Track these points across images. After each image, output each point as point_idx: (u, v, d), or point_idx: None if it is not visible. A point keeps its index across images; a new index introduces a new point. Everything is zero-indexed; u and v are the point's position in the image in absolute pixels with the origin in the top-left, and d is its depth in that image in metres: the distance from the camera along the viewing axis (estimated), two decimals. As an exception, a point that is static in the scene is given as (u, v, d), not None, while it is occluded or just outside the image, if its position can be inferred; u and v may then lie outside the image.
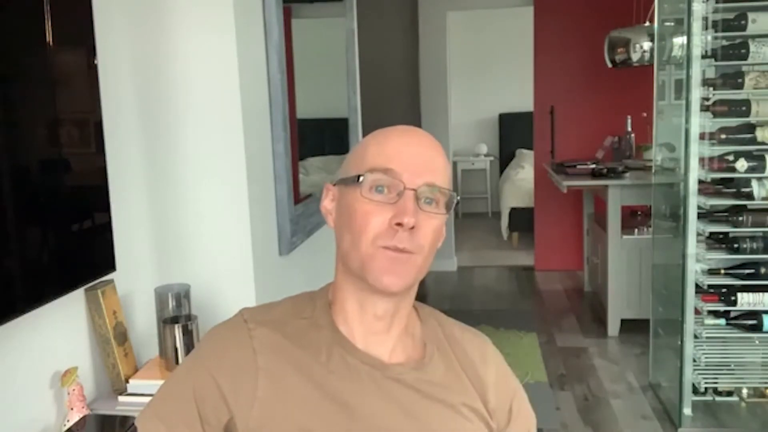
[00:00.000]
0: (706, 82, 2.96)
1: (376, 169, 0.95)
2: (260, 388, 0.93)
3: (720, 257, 3.09)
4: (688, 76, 2.95)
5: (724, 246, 3.09)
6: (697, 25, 2.91)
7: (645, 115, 4.54)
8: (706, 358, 3.09)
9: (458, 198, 1.00)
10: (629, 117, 4.95)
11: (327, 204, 1.02)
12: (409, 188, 0.93)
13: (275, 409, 0.92)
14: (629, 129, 4.95)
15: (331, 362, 0.96)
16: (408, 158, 0.96)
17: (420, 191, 0.93)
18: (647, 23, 4.45)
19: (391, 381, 0.97)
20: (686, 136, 2.99)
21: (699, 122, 2.96)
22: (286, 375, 0.94)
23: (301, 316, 1.01)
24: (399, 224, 0.92)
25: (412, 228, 0.92)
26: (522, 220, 6.50)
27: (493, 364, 1.07)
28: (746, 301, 3.01)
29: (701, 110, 2.96)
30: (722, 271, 3.05)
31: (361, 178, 0.94)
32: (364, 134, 3.56)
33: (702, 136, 2.97)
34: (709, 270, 3.06)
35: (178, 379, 0.99)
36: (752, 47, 2.90)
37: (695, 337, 3.10)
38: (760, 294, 3.01)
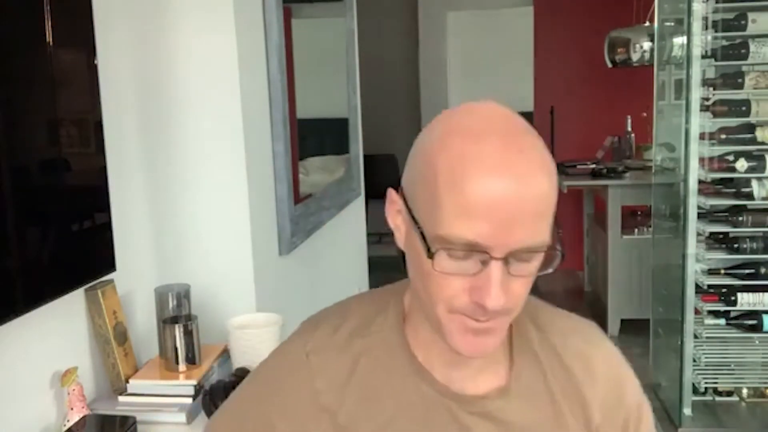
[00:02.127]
0: (706, 82, 2.96)
1: (452, 242, 0.70)
2: (323, 430, 0.82)
3: (720, 257, 3.09)
4: (688, 76, 2.95)
5: (724, 246, 3.09)
6: (697, 25, 2.91)
7: (645, 115, 4.54)
8: (706, 358, 3.09)
9: (562, 251, 0.75)
10: (629, 117, 4.95)
11: (393, 218, 0.82)
12: (496, 258, 0.71)
13: None
14: (629, 129, 4.95)
15: (405, 395, 0.83)
16: (500, 216, 0.69)
17: (511, 258, 0.71)
18: (647, 23, 4.45)
19: (474, 416, 0.82)
20: (686, 136, 2.99)
21: (699, 122, 2.96)
22: (353, 412, 0.82)
23: (371, 330, 0.86)
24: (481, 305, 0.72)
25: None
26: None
27: (602, 377, 0.89)
28: (746, 301, 3.01)
29: (701, 110, 2.96)
30: (722, 271, 3.05)
31: (433, 251, 0.72)
32: (364, 134, 3.56)
33: (702, 136, 2.97)
34: (709, 270, 3.06)
35: (232, 416, 0.91)
36: (752, 47, 2.90)
37: (695, 337, 3.10)
38: (760, 294, 3.01)
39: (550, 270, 0.75)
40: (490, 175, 0.69)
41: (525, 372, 0.86)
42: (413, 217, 0.76)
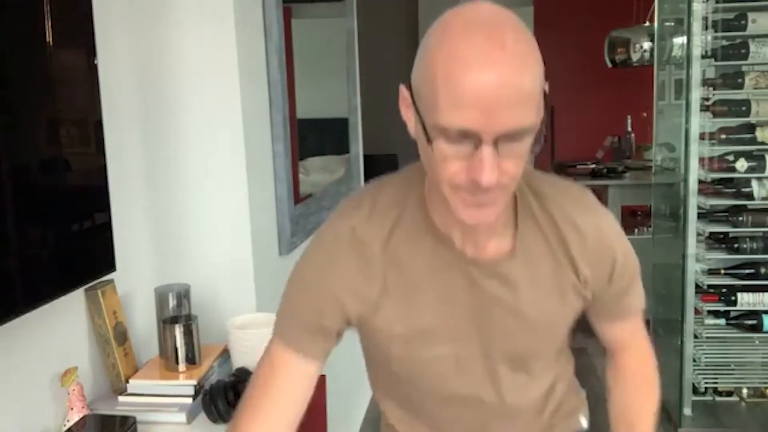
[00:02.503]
0: (706, 82, 2.97)
1: (447, 130, 0.82)
2: (375, 293, 1.00)
3: (720, 257, 3.09)
4: (688, 76, 2.95)
5: (724, 246, 3.09)
6: (697, 25, 2.91)
7: (645, 115, 4.54)
8: (706, 358, 3.09)
9: (544, 133, 0.88)
10: (629, 117, 4.96)
11: (404, 112, 0.94)
12: (486, 142, 0.82)
13: (407, 308, 1.00)
14: (629, 129, 4.96)
15: (429, 260, 1.00)
16: (486, 104, 0.80)
17: (500, 141, 0.82)
18: (647, 23, 4.45)
19: (485, 277, 1.00)
20: (686, 136, 2.99)
21: (699, 122, 2.96)
22: (390, 277, 1.00)
23: (400, 207, 1.01)
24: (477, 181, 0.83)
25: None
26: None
27: (589, 231, 1.03)
28: (746, 301, 3.02)
29: (701, 110, 2.96)
30: (722, 271, 3.05)
31: (432, 136, 0.85)
32: (364, 135, 3.56)
33: (702, 136, 2.98)
34: (709, 270, 3.06)
35: (296, 297, 1.08)
36: (752, 47, 2.90)
37: (695, 337, 3.10)
38: (760, 294, 3.01)
39: (537, 150, 0.87)
40: (476, 70, 0.80)
41: (527, 235, 1.01)
42: (417, 110, 0.88)
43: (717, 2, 2.94)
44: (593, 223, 1.04)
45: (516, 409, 1.13)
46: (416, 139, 0.92)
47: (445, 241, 1.00)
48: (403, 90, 0.92)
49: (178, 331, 1.65)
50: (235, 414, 1.07)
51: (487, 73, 0.80)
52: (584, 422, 1.37)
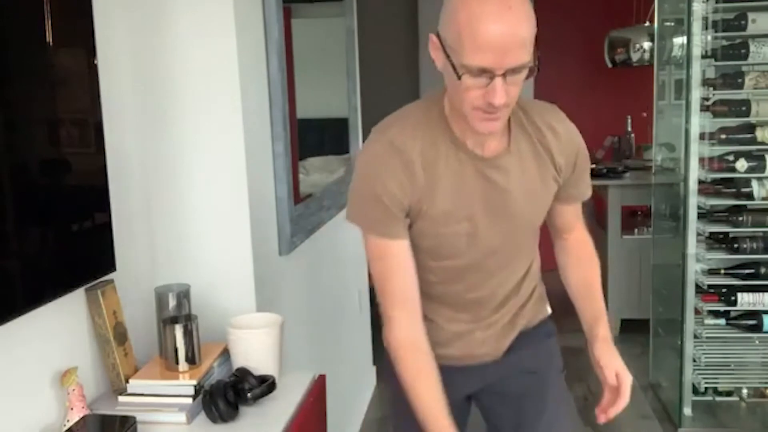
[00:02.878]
0: (706, 82, 2.97)
1: (470, 68, 1.20)
2: (414, 186, 1.35)
3: (720, 257, 3.09)
4: (688, 76, 2.95)
5: (724, 246, 3.09)
6: (697, 25, 2.91)
7: (645, 115, 4.54)
8: (706, 358, 3.09)
9: (538, 63, 1.23)
10: (629, 117, 4.95)
11: (433, 53, 1.30)
12: (498, 75, 1.19)
13: (438, 195, 1.36)
14: (629, 129, 4.95)
15: (449, 159, 1.36)
16: (498, 49, 1.18)
17: (507, 74, 1.20)
18: (647, 23, 4.45)
19: (489, 168, 1.38)
20: (686, 136, 2.99)
21: (699, 122, 2.96)
22: (434, 173, 1.36)
23: (426, 123, 1.37)
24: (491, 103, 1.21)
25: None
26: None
27: (562, 133, 1.43)
28: (746, 301, 3.02)
29: (701, 110, 2.96)
30: (722, 271, 3.05)
31: (460, 74, 1.22)
32: (364, 135, 3.56)
33: (702, 136, 2.98)
34: (709, 270, 3.06)
35: (368, 194, 1.38)
36: (752, 47, 2.90)
37: (695, 337, 3.10)
38: (760, 294, 3.01)
39: (531, 77, 1.23)
40: (491, 26, 1.17)
41: (518, 138, 1.40)
42: (446, 53, 1.24)
43: (717, 2, 2.94)
44: (564, 127, 1.45)
45: (506, 278, 1.53)
46: (443, 72, 1.29)
47: (461, 145, 1.37)
48: (432, 37, 1.28)
49: (178, 331, 1.65)
50: (384, 318, 1.43)
51: (498, 28, 1.17)
52: (548, 309, 1.77)
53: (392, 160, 1.35)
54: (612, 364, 1.52)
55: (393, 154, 1.35)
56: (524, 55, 1.20)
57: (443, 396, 1.38)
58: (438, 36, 1.26)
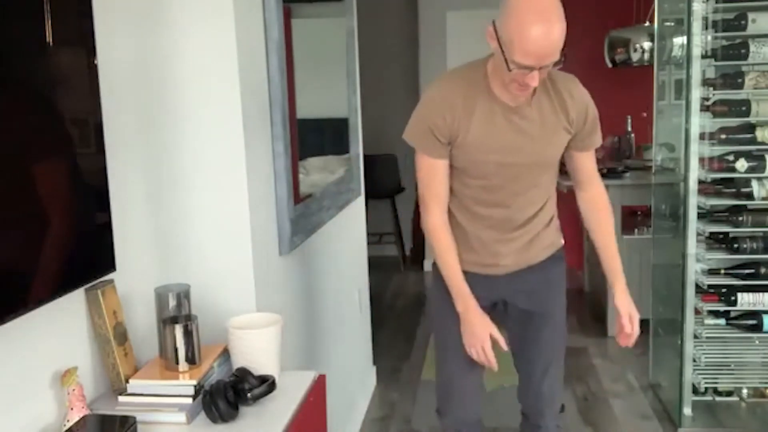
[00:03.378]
0: (706, 82, 2.97)
1: (518, 64, 1.70)
2: (456, 122, 1.86)
3: (720, 257, 3.09)
4: (688, 76, 2.95)
5: (724, 246, 3.09)
6: (697, 25, 2.91)
7: (645, 115, 4.54)
8: (706, 358, 3.09)
9: (563, 57, 1.74)
10: (629, 117, 4.95)
11: (488, 38, 1.77)
12: (537, 69, 1.71)
13: (471, 134, 1.87)
14: (629, 129, 4.95)
15: (485, 107, 1.87)
16: (540, 56, 1.69)
17: (542, 67, 1.71)
18: (647, 23, 4.45)
19: (516, 115, 1.88)
20: (686, 136, 2.99)
21: (699, 122, 2.96)
22: (469, 113, 1.86)
23: (470, 82, 1.89)
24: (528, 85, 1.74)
25: None
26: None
27: (577, 96, 1.94)
28: (746, 301, 3.02)
29: (701, 110, 2.96)
30: (722, 271, 3.05)
31: (510, 68, 1.71)
32: (364, 134, 3.57)
33: (702, 136, 2.98)
34: (709, 270, 3.06)
35: (420, 119, 1.92)
36: (752, 47, 2.90)
37: (695, 337, 3.10)
38: (760, 294, 3.01)
39: (559, 66, 1.75)
40: (537, 40, 1.66)
41: (540, 97, 1.88)
42: (500, 45, 1.72)
43: (717, 2, 2.94)
44: (579, 92, 1.95)
45: (526, 204, 1.99)
46: (495, 54, 1.79)
47: (495, 97, 1.87)
48: (489, 28, 1.75)
49: (178, 331, 1.65)
50: (422, 209, 2.00)
51: (542, 42, 1.67)
52: (562, 240, 2.19)
53: (441, 103, 1.88)
54: (626, 309, 2.13)
55: (442, 98, 1.89)
56: (556, 55, 1.72)
57: (458, 263, 1.98)
58: (495, 27, 1.74)
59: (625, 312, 2.10)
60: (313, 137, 2.73)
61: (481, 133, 1.87)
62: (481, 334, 1.93)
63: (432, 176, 1.94)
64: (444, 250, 1.98)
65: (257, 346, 1.69)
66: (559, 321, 2.15)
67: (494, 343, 1.94)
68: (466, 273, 1.97)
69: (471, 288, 1.96)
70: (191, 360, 1.66)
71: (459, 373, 2.09)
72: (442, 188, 1.95)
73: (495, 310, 2.08)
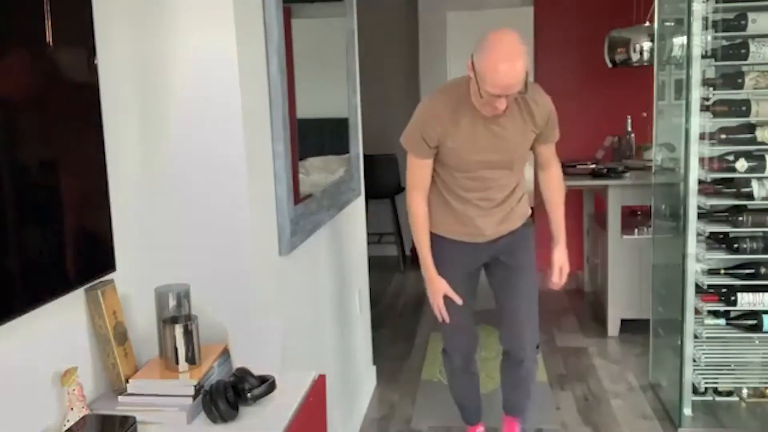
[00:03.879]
0: (706, 82, 2.96)
1: (489, 94, 2.21)
2: (444, 131, 2.38)
3: (720, 257, 3.09)
4: (688, 76, 2.95)
5: (724, 246, 3.09)
6: (697, 25, 2.91)
7: (645, 115, 4.53)
8: (706, 358, 3.09)
9: (525, 85, 2.22)
10: (629, 117, 4.95)
11: (467, 70, 2.28)
12: (503, 98, 2.22)
13: (454, 140, 2.38)
14: (629, 129, 4.95)
15: (466, 119, 2.37)
16: (506, 88, 2.17)
17: (509, 96, 2.22)
18: (647, 23, 4.45)
19: (493, 123, 2.37)
20: (686, 136, 2.99)
21: (699, 122, 2.96)
22: (455, 124, 2.37)
23: (456, 99, 2.38)
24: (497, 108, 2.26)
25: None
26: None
27: (541, 103, 2.43)
28: (746, 301, 3.01)
29: (701, 110, 2.96)
30: (722, 271, 3.05)
31: (483, 96, 2.24)
32: (364, 134, 3.57)
33: (702, 136, 2.97)
34: (709, 270, 3.06)
35: (415, 129, 2.43)
36: (752, 47, 2.90)
37: (695, 337, 3.10)
38: (760, 294, 3.01)
39: (523, 94, 2.26)
40: (503, 78, 2.15)
41: (511, 107, 2.33)
42: (476, 77, 2.22)
43: (717, 2, 2.93)
44: (542, 99, 2.44)
45: (500, 188, 2.53)
46: (472, 82, 2.26)
47: (476, 111, 2.36)
48: (469, 62, 2.25)
49: (178, 331, 1.65)
50: (407, 193, 2.55)
51: (507, 79, 2.16)
52: (529, 209, 2.70)
53: (432, 116, 2.40)
54: (559, 263, 2.65)
55: (433, 112, 2.41)
56: (520, 86, 2.20)
57: (428, 238, 2.58)
58: (472, 62, 2.24)
59: (558, 265, 2.64)
60: (313, 137, 2.73)
61: (466, 139, 2.39)
62: (437, 294, 2.59)
63: (418, 172, 2.51)
64: (419, 226, 2.57)
65: (257, 346, 1.69)
66: (531, 272, 2.67)
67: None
68: (458, 242, 2.59)
69: (462, 254, 2.60)
70: (191, 360, 1.66)
71: (459, 324, 2.70)
72: (425, 181, 2.53)
73: (483, 269, 2.73)
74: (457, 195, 2.53)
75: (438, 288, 2.57)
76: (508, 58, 2.13)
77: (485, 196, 2.52)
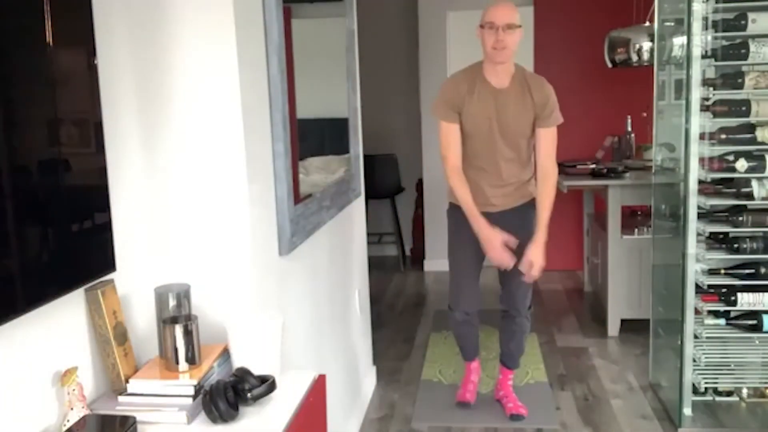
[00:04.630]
0: (706, 82, 2.96)
1: (486, 23, 2.85)
2: (464, 99, 2.95)
3: (720, 257, 3.09)
4: (688, 76, 2.95)
5: (724, 246, 3.09)
6: (697, 25, 2.91)
7: (645, 115, 4.53)
8: (706, 358, 3.09)
9: (521, 27, 2.86)
10: (629, 117, 4.95)
11: (477, 33, 2.91)
12: (498, 27, 2.82)
13: (470, 105, 2.95)
14: (629, 129, 4.95)
15: (481, 89, 2.95)
16: (499, 15, 2.82)
17: (503, 27, 2.82)
18: (647, 23, 4.45)
19: (500, 94, 2.95)
20: (686, 136, 2.99)
21: (699, 122, 2.96)
22: (470, 93, 2.95)
23: (472, 75, 2.98)
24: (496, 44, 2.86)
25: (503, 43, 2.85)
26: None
27: (541, 87, 2.94)
28: (746, 301, 3.01)
29: (701, 110, 2.96)
30: (722, 271, 3.05)
31: (483, 27, 2.87)
32: (364, 134, 3.58)
33: (702, 136, 2.97)
34: (709, 270, 3.06)
35: (441, 99, 3.00)
36: (752, 47, 2.90)
37: (695, 337, 3.10)
38: (760, 294, 3.01)
39: (518, 29, 2.89)
40: (494, 6, 2.87)
41: (515, 82, 2.96)
42: (481, 25, 2.91)
43: (717, 2, 2.93)
44: (544, 84, 2.97)
45: (509, 162, 3.01)
46: (480, 38, 2.91)
47: (487, 82, 2.94)
48: (478, 28, 2.91)
49: (178, 331, 1.65)
50: (443, 156, 3.01)
51: (498, 8, 2.86)
52: (534, 192, 3.06)
53: (453, 87, 2.99)
54: (529, 258, 2.93)
55: (454, 84, 3.00)
56: (512, 19, 2.82)
57: (470, 196, 2.98)
58: (480, 24, 2.89)
59: (528, 260, 2.92)
60: (313, 137, 2.73)
61: (479, 105, 2.94)
62: (495, 243, 2.92)
63: (449, 135, 2.98)
64: (460, 186, 2.98)
65: (257, 346, 1.69)
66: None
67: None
68: None
69: None
70: (191, 360, 1.66)
71: (464, 280, 3.15)
72: (456, 144, 2.98)
73: None
74: (473, 168, 3.01)
75: (495, 238, 2.92)
76: (503, 6, 2.86)
77: (495, 170, 3.00)
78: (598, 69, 5.12)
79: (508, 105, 2.91)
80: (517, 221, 3.02)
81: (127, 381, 1.63)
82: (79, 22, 1.55)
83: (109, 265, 1.64)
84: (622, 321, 4.36)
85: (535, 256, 2.91)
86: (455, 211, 3.06)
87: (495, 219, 2.99)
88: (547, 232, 2.95)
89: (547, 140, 2.98)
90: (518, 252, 2.95)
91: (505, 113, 2.91)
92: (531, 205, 3.04)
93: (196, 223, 1.89)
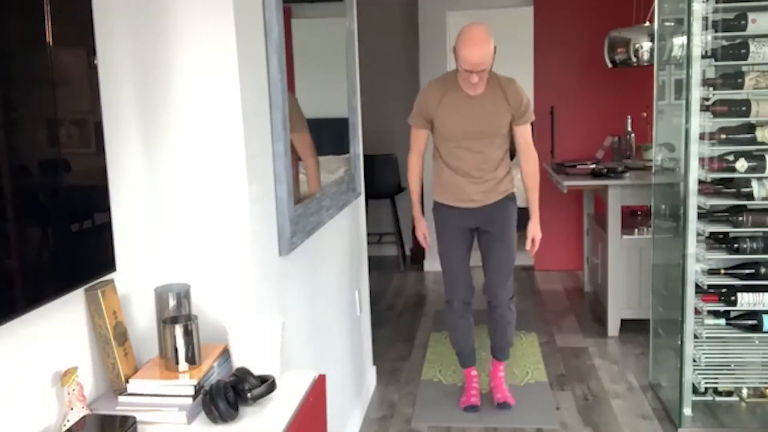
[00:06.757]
0: (706, 82, 2.96)
1: (463, 68, 2.98)
2: (436, 107, 3.15)
3: (720, 257, 3.09)
4: (688, 76, 2.95)
5: (724, 246, 3.09)
6: (697, 25, 2.91)
7: (645, 115, 4.54)
8: (706, 358, 3.09)
9: (492, 65, 3.04)
10: (629, 117, 4.95)
11: (453, 56, 3.03)
12: (475, 72, 2.97)
13: (443, 112, 3.15)
14: (629, 129, 4.95)
15: (453, 97, 3.13)
16: (473, 65, 2.94)
17: (479, 72, 2.98)
18: (647, 23, 4.45)
19: (474, 100, 3.12)
20: (686, 136, 2.99)
21: (699, 122, 2.96)
22: (442, 101, 3.14)
23: (446, 83, 3.17)
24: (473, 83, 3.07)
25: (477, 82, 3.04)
26: (522, 219, 6.49)
27: (516, 91, 3.15)
28: (746, 301, 3.01)
29: (701, 110, 2.96)
30: (722, 271, 3.05)
31: (458, 70, 3.04)
32: (364, 134, 3.58)
33: (702, 136, 2.97)
34: (709, 270, 3.06)
35: (415, 108, 3.24)
36: (752, 47, 2.89)
37: (695, 337, 3.10)
38: (760, 294, 3.01)
39: (490, 69, 3.06)
40: (472, 49, 2.94)
41: (489, 88, 3.13)
42: (456, 58, 3.03)
43: (717, 2, 2.93)
44: (517, 88, 3.17)
45: (485, 160, 3.20)
46: (455, 62, 3.07)
47: (462, 91, 3.11)
48: (454, 53, 3.03)
49: (178, 331, 1.65)
50: (410, 152, 3.35)
51: (474, 57, 2.94)
52: (513, 187, 3.32)
53: (430, 96, 3.17)
54: (532, 233, 3.33)
55: (430, 94, 3.17)
56: (487, 63, 2.96)
57: (420, 187, 3.39)
58: (455, 49, 2.99)
59: (531, 235, 3.33)
60: (313, 137, 2.73)
61: (453, 112, 3.13)
62: (421, 225, 3.41)
63: (416, 137, 3.30)
64: (414, 178, 3.37)
65: (257, 346, 1.69)
66: (510, 240, 3.31)
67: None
68: (454, 207, 3.26)
69: (457, 216, 3.26)
70: (191, 360, 1.66)
71: (457, 270, 3.34)
72: (421, 145, 3.31)
73: (473, 234, 3.35)
74: (451, 166, 3.22)
75: (422, 226, 3.42)
76: (474, 42, 2.91)
77: (473, 166, 3.18)
78: (598, 69, 5.13)
79: (484, 109, 3.10)
80: (499, 215, 3.26)
81: (127, 381, 1.63)
82: (79, 23, 1.55)
83: (109, 265, 1.64)
84: (622, 321, 4.36)
85: (536, 232, 3.31)
86: (440, 208, 3.30)
87: (478, 213, 3.24)
88: (538, 208, 3.33)
89: (524, 134, 3.24)
90: (495, 244, 3.28)
91: (480, 118, 3.10)
92: (511, 199, 3.30)
93: (196, 223, 1.89)
